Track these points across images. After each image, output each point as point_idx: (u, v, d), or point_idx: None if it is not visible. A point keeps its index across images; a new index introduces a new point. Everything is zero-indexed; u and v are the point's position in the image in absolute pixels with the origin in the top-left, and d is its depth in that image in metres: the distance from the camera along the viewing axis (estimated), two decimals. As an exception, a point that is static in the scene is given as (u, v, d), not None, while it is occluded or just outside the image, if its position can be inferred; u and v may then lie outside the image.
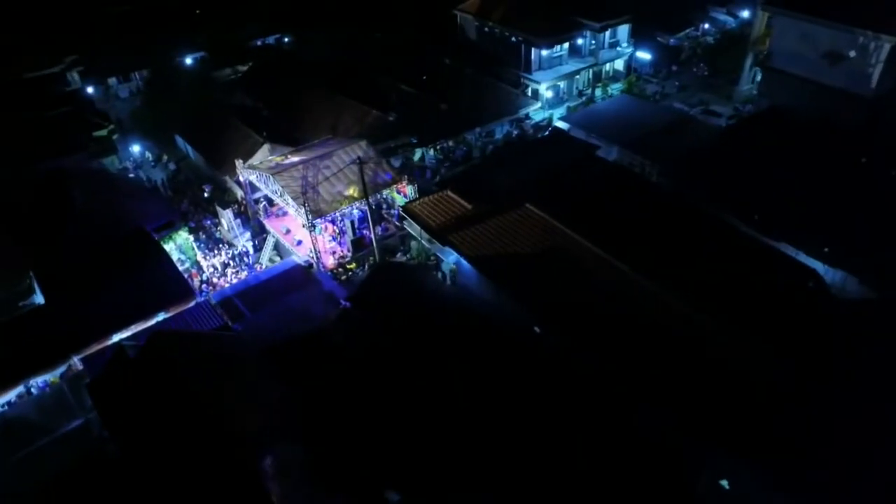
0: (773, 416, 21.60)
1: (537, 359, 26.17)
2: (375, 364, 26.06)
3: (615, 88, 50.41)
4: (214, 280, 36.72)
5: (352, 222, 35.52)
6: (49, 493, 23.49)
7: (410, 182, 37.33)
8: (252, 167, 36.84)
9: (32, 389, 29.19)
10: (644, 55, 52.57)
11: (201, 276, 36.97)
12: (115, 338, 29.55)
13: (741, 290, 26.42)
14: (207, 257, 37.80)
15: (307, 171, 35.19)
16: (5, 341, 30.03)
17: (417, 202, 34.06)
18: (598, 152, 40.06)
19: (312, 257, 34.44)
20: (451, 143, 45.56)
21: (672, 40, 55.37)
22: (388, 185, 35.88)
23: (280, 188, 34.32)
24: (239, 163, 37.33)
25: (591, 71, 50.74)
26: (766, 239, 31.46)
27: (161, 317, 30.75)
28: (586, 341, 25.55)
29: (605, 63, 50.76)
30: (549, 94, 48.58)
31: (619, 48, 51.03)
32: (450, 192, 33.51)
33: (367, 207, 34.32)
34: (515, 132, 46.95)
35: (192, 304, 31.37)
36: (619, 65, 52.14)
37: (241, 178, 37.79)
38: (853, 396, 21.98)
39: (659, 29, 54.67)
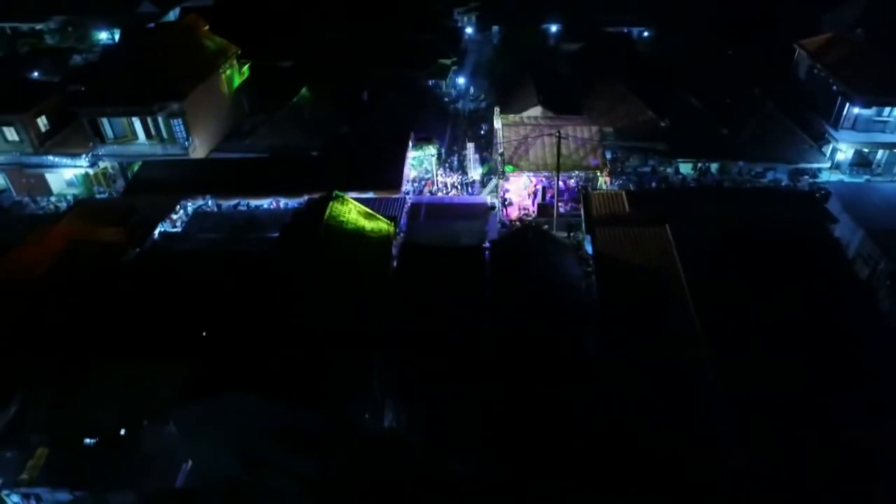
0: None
1: (582, 357, 27.83)
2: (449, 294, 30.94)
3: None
4: (440, 193, 44.63)
5: (544, 188, 39.44)
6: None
7: (639, 185, 39.13)
8: (502, 117, 42.97)
9: (281, 204, 41.25)
10: None
11: (434, 185, 45.18)
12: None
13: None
14: (445, 175, 45.72)
15: (533, 131, 40.01)
16: (284, 170, 42.68)
17: (598, 192, 36.40)
18: (836, 227, 36.16)
19: (497, 202, 39.70)
20: (710, 166, 44.79)
21: None
22: (591, 168, 38.62)
23: (502, 137, 39.96)
24: (496, 110, 43.82)
25: (925, 152, 43.29)
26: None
27: (370, 194, 39.79)
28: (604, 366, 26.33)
29: (947, 148, 42.73)
30: (842, 157, 43.40)
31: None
32: (623, 192, 35.07)
33: (559, 180, 37.86)
34: (785, 182, 43.61)
35: (394, 195, 39.68)
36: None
37: (496, 124, 44.29)
38: None
39: None
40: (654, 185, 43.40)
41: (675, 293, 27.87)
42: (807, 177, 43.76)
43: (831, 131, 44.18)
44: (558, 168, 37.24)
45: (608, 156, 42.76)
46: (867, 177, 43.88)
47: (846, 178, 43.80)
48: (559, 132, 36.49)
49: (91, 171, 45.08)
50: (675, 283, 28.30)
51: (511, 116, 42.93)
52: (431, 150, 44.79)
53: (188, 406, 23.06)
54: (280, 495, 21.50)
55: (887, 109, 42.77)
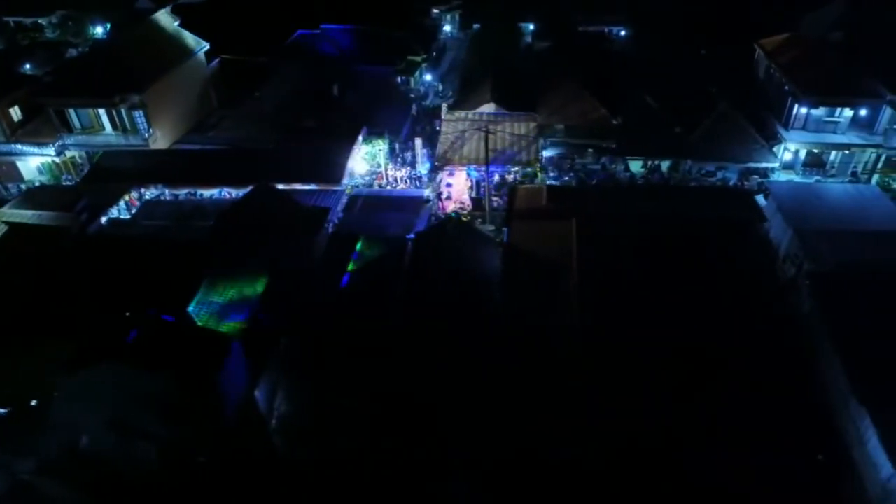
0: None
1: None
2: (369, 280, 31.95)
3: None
4: (388, 186, 45.46)
5: (477, 182, 40.02)
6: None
7: (581, 182, 39.66)
8: (448, 113, 43.67)
9: (225, 194, 42.43)
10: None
11: (385, 179, 46.01)
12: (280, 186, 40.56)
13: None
14: (394, 169, 46.53)
15: (472, 125, 40.62)
16: (237, 162, 43.99)
17: (522, 187, 36.88)
18: (770, 227, 36.08)
19: (433, 195, 40.37)
20: (659, 164, 44.77)
21: None
22: (522, 163, 39.10)
23: (443, 132, 40.67)
24: (444, 106, 44.50)
25: (875, 153, 42.54)
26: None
27: (313, 186, 40.77)
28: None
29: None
30: (789, 157, 42.99)
31: (927, 138, 41.47)
32: (543, 187, 35.49)
33: (488, 174, 38.43)
34: (734, 181, 43.39)
35: (335, 188, 40.59)
36: (927, 159, 42.36)
37: (442, 118, 45.04)
38: None
39: None
40: (595, 182, 43.62)
41: (564, 282, 28.34)
42: (756, 176, 43.48)
43: (782, 131, 43.75)
44: (487, 162, 37.79)
45: (548, 153, 43.18)
46: (818, 177, 43.39)
47: (797, 178, 43.38)
48: (486, 128, 37.08)
49: (58, 160, 47.06)
50: (568, 272, 28.75)
51: (456, 112, 43.62)
52: (381, 144, 45.65)
53: (70, 377, 24.34)
54: (142, 460, 22.66)
55: (838, 110, 42.18)
